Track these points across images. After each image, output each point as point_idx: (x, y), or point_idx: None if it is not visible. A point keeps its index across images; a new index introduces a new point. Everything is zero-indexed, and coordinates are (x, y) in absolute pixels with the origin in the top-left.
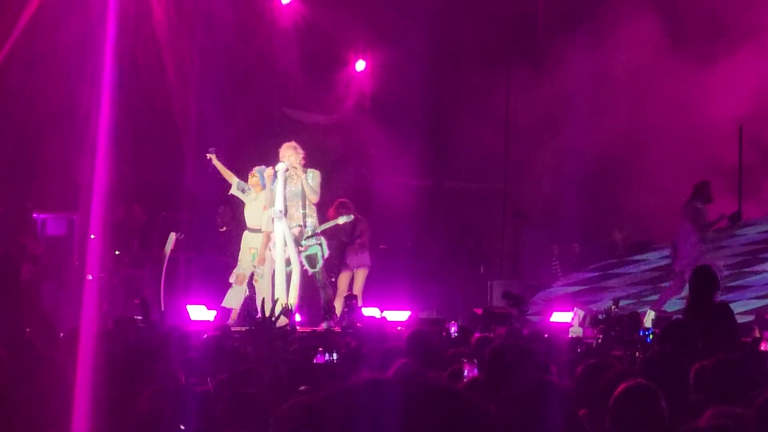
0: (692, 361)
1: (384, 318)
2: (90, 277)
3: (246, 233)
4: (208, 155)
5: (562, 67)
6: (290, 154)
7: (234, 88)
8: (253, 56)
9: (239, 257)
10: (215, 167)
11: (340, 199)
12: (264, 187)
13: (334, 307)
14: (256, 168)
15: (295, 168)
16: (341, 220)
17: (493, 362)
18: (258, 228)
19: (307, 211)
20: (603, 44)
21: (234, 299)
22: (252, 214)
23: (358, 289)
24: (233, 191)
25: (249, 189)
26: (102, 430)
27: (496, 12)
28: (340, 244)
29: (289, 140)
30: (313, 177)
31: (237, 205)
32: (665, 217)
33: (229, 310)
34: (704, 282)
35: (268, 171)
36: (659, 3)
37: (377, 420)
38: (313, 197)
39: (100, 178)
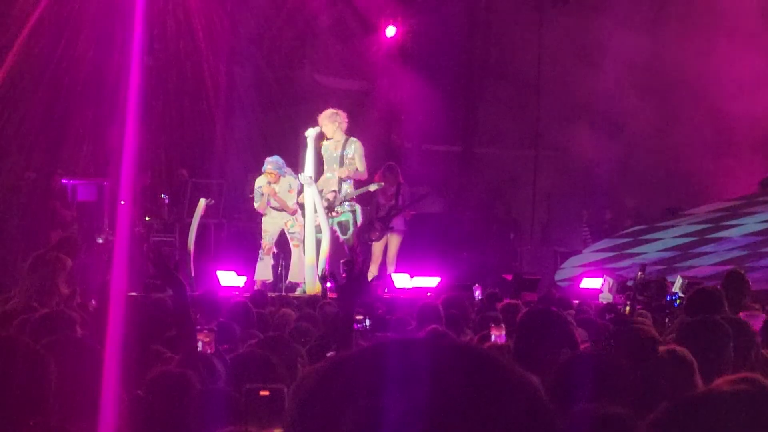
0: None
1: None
2: (100, 240)
3: (269, 209)
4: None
5: (594, 26)
6: (328, 122)
7: (264, 53)
8: (283, 21)
9: (263, 227)
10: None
11: (389, 163)
12: (282, 174)
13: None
14: (268, 159)
15: (337, 135)
16: (372, 187)
17: (523, 328)
18: (285, 211)
19: (343, 177)
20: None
21: (263, 271)
22: (282, 201)
23: (392, 254)
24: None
25: (261, 193)
26: (132, 393)
27: None
28: (380, 207)
29: (319, 106)
30: (355, 149)
31: None
32: (692, 185)
33: (261, 282)
34: (739, 287)
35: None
36: None
37: (406, 379)
38: (362, 168)
39: (129, 144)
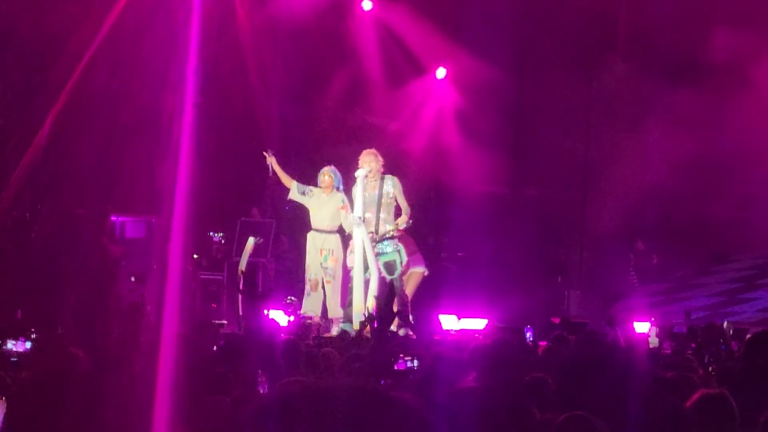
0: None
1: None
2: (133, 279)
3: (312, 234)
4: (267, 156)
5: (645, 69)
6: (371, 160)
7: (315, 92)
8: (334, 61)
9: (307, 262)
10: (274, 170)
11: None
12: (338, 188)
13: (409, 315)
14: (327, 168)
15: (375, 174)
16: (402, 224)
17: (568, 371)
18: (329, 229)
19: (382, 216)
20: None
21: (312, 306)
22: (323, 216)
23: (411, 291)
24: (292, 196)
25: (310, 191)
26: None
27: (576, 16)
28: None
29: (369, 146)
30: (394, 185)
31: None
32: (743, 229)
33: (308, 318)
34: None
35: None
36: None
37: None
38: (405, 205)
39: (182, 182)
